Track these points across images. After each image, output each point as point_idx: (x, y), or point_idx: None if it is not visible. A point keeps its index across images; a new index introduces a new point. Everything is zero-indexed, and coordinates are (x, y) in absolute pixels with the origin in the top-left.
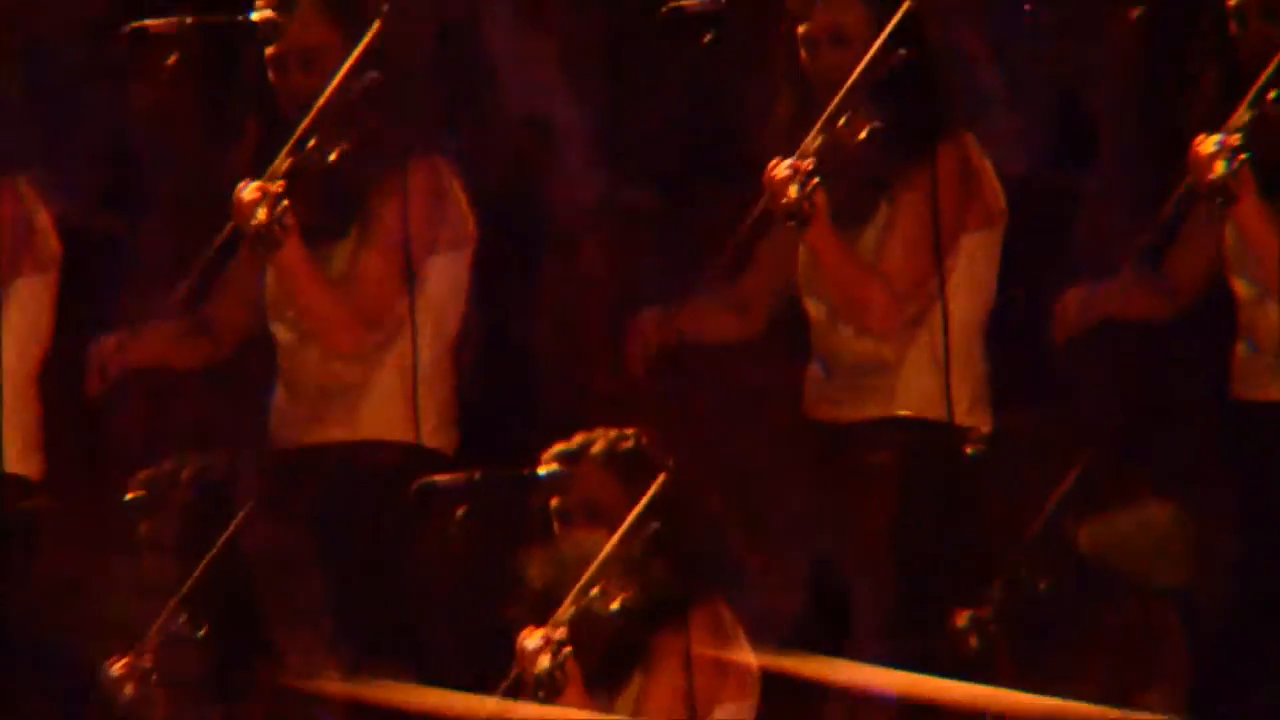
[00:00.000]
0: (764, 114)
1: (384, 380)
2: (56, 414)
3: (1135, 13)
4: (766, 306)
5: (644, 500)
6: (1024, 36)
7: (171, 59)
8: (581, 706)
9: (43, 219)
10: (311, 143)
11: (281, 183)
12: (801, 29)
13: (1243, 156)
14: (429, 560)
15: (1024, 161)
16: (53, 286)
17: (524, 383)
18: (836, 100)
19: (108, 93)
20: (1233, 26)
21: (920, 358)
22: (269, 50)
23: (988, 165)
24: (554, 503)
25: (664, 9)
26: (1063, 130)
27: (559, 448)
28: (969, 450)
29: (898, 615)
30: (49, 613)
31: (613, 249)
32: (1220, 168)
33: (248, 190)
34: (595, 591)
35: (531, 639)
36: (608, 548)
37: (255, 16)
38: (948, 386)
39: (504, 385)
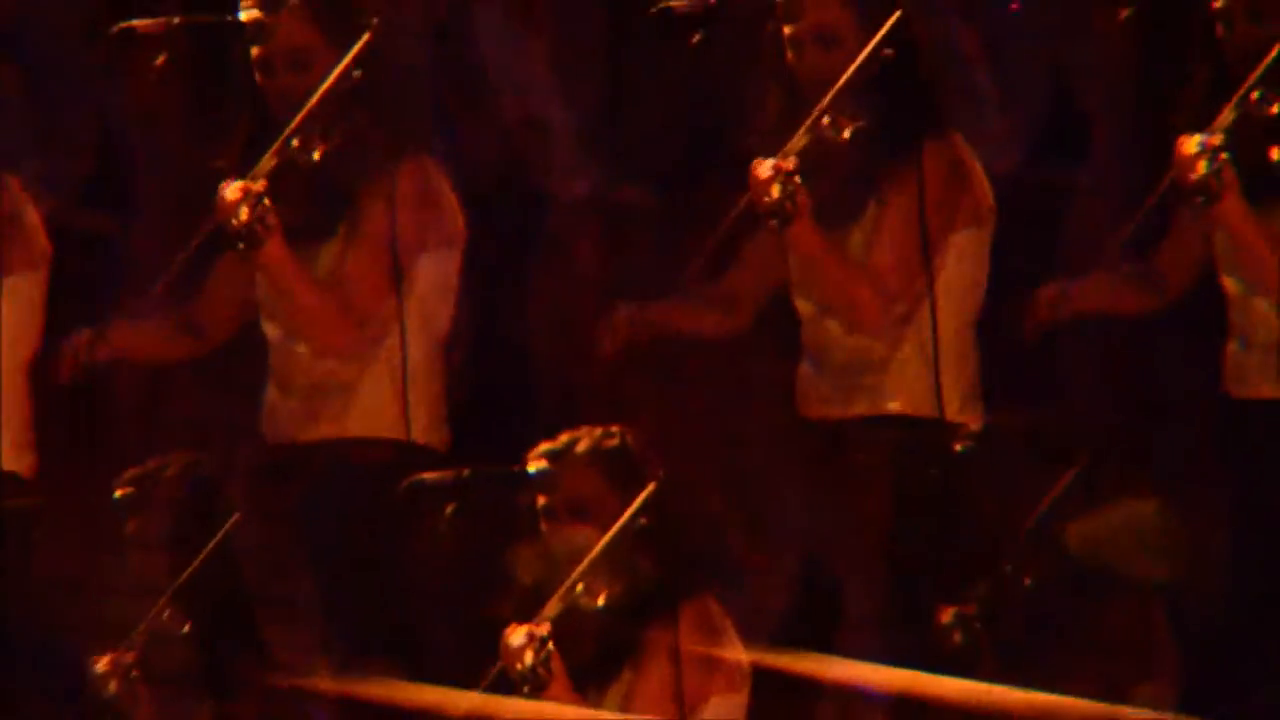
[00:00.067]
0: (754, 113)
1: (374, 378)
2: (48, 412)
3: (1124, 13)
4: (753, 304)
5: (635, 504)
6: (1014, 35)
7: (159, 59)
8: (567, 702)
9: (32, 216)
10: (295, 142)
11: (264, 182)
12: (788, 29)
13: (1224, 156)
14: (419, 557)
15: (1014, 160)
16: (43, 284)
17: (517, 380)
18: (825, 102)
19: (96, 92)
20: (1219, 29)
21: (910, 356)
22: (255, 51)
23: (976, 164)
24: (541, 501)
25: (653, 9)
26: (1053, 129)
27: (545, 446)
28: (959, 448)
29: (888, 612)
30: (41, 610)
31: (604, 247)
32: (1202, 167)
33: (230, 189)
34: (580, 588)
35: (516, 635)
36: (598, 548)
37: (243, 17)
38: (938, 384)
39: (497, 382)
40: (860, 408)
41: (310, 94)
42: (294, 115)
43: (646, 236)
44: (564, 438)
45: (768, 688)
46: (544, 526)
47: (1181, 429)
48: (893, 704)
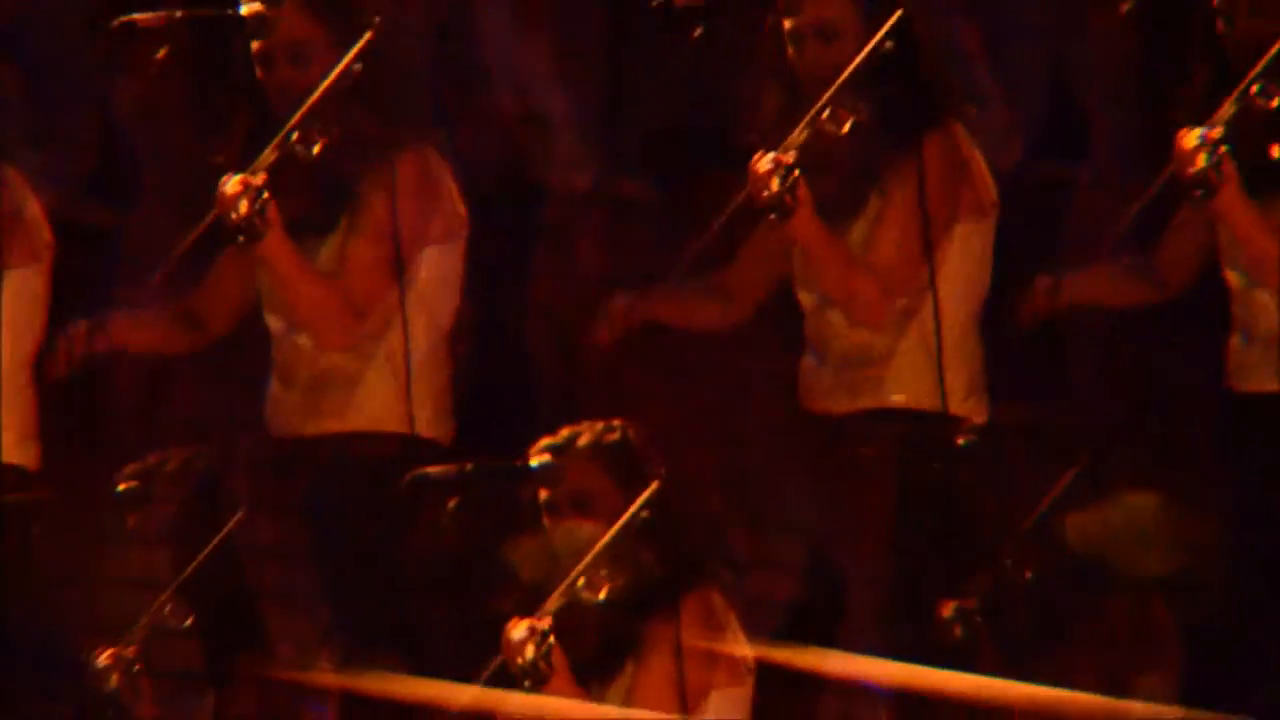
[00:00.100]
0: (754, 108)
1: (377, 372)
2: (50, 405)
3: (1125, 8)
4: (753, 297)
5: (637, 502)
6: (1015, 31)
7: (160, 53)
8: (569, 695)
9: (34, 209)
10: (295, 136)
11: (263, 175)
12: (788, 24)
13: (1223, 149)
14: (421, 552)
15: (1015, 156)
16: (45, 276)
17: (518, 374)
18: (826, 96)
19: (97, 86)
20: (1219, 24)
21: (913, 349)
22: (255, 45)
23: (978, 156)
24: (543, 495)
25: (653, 3)
26: (1054, 125)
27: (546, 441)
28: (961, 441)
29: (891, 606)
30: (43, 605)
31: (605, 241)
32: (1202, 160)
33: (230, 183)
34: (581, 582)
35: (517, 629)
36: (601, 543)
37: (243, 11)
38: (941, 378)
39: (497, 376)
40: (863, 401)
41: (310, 88)
42: (294, 109)
43: (647, 231)
44: (565, 432)
45: (771, 682)
46: (546, 521)
47: (1184, 423)
48: (895, 698)
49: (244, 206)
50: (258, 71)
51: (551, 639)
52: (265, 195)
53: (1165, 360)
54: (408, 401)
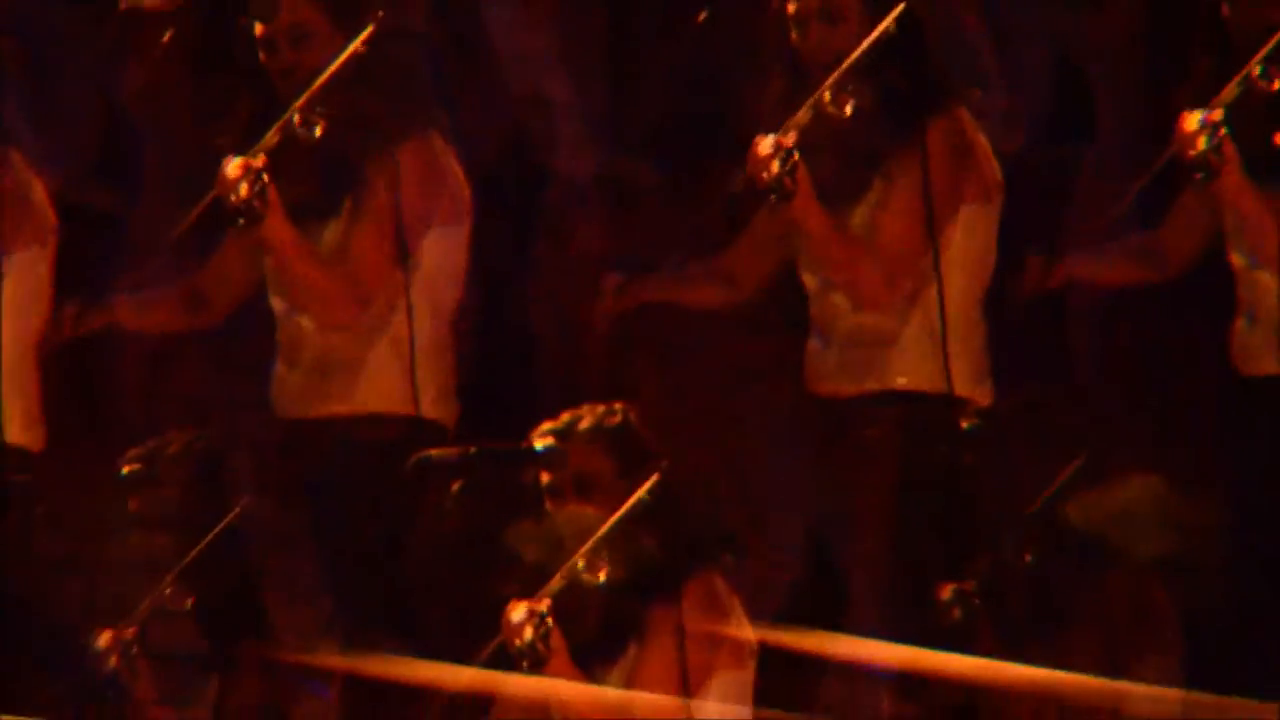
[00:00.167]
0: (758, 91)
1: (381, 354)
2: (57, 387)
3: None
4: (756, 279)
5: (640, 490)
6: (1020, 14)
7: (165, 36)
8: (568, 678)
9: (38, 192)
10: (297, 119)
11: (264, 158)
12: (791, 7)
13: (1224, 132)
14: (425, 534)
15: (1020, 139)
16: (50, 259)
17: (521, 357)
18: (830, 80)
19: (102, 69)
20: (1224, 8)
21: (917, 332)
22: (258, 28)
23: (982, 139)
24: (545, 479)
25: None
26: (1059, 108)
27: (548, 425)
28: (966, 424)
29: (894, 588)
30: (45, 586)
31: (608, 224)
32: (1202, 143)
33: (231, 166)
34: (582, 565)
35: (516, 611)
36: (604, 528)
37: None
38: (945, 360)
39: (504, 358)
40: (867, 384)
41: (313, 71)
42: (297, 92)
43: (651, 215)
44: (566, 416)
45: (774, 664)
46: (548, 504)
47: (1189, 406)
48: (897, 681)
49: (244, 189)
50: (260, 55)
51: (550, 621)
52: (265, 178)
53: (1170, 343)
54: (412, 384)
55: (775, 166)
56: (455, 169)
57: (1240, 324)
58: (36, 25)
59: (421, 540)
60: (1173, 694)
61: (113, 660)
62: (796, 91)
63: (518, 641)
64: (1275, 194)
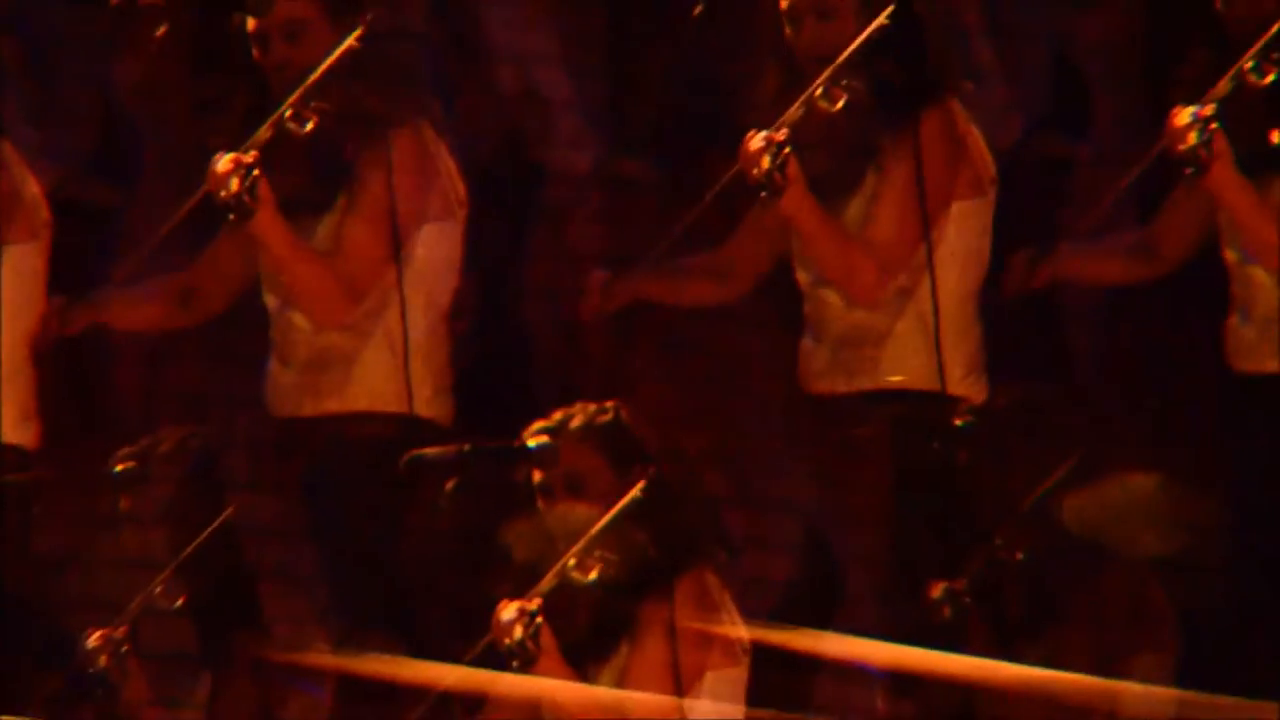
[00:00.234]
0: (754, 87)
1: (375, 351)
2: (52, 384)
3: None
4: (749, 275)
5: (629, 495)
6: (1016, 7)
7: (160, 31)
8: (558, 676)
9: (33, 187)
10: (288, 114)
11: (255, 153)
12: (785, 2)
13: (1214, 127)
14: (420, 533)
15: (1016, 133)
16: (44, 254)
17: (516, 354)
18: (824, 77)
19: (97, 64)
20: (1218, 2)
21: (910, 329)
22: (251, 24)
23: (975, 132)
24: (537, 477)
25: None
26: (1057, 99)
27: (539, 424)
28: (960, 422)
29: (888, 587)
30: (40, 585)
31: (606, 220)
32: (1193, 138)
33: (222, 161)
34: (573, 563)
35: (507, 610)
36: (596, 528)
37: None
38: (939, 358)
39: (500, 355)
40: (860, 382)
41: (306, 66)
42: (291, 88)
43: (647, 211)
44: (558, 414)
45: (767, 663)
46: (540, 503)
47: (1184, 403)
48: (891, 680)
49: (234, 184)
50: (254, 51)
51: (540, 620)
52: (256, 173)
53: (1164, 340)
54: (406, 381)
55: (766, 162)
56: (448, 162)
57: (1234, 320)
58: (32, 21)
59: (416, 539)
60: (1168, 693)
61: (103, 660)
62: (790, 87)
63: (507, 640)
64: (1267, 189)
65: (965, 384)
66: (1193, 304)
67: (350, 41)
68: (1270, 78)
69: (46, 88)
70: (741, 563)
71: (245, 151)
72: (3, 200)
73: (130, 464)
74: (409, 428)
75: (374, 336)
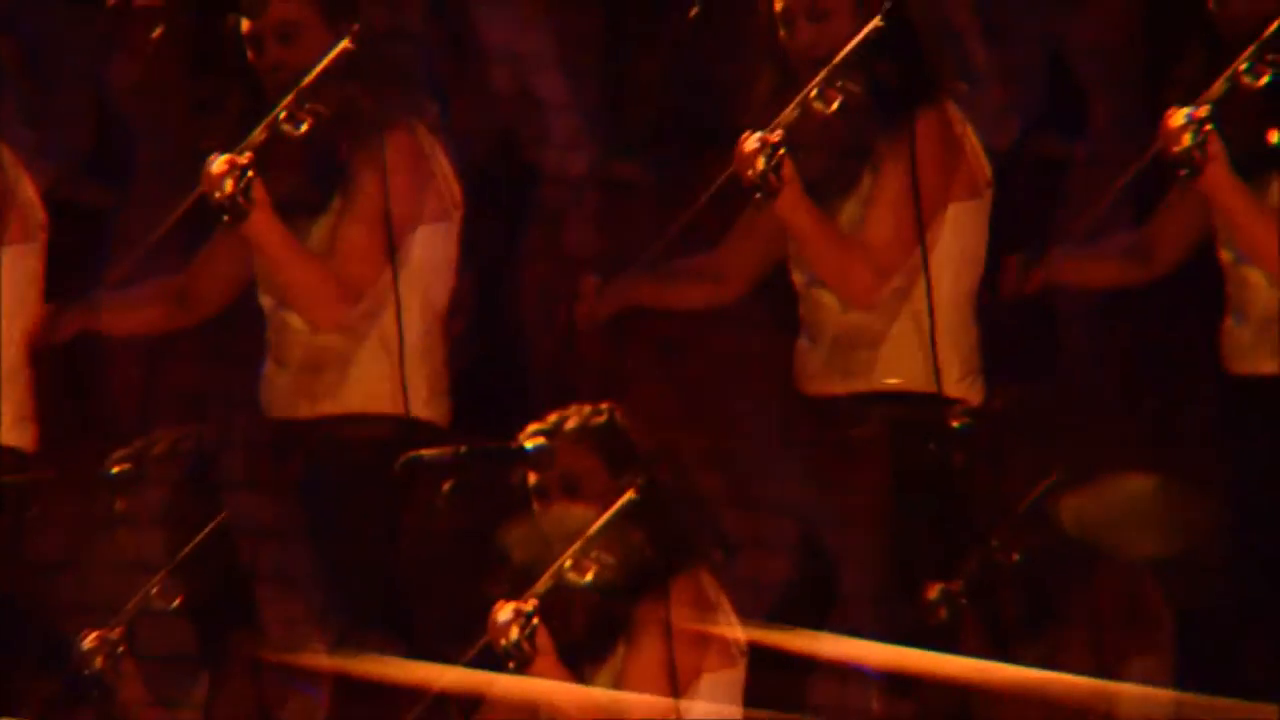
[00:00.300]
0: (748, 89)
1: (370, 353)
2: (48, 385)
3: None
4: (744, 277)
5: (629, 491)
6: (1011, 8)
7: (156, 32)
8: (554, 677)
9: (28, 188)
10: (283, 115)
11: (249, 155)
12: (779, 5)
13: (1208, 128)
14: (416, 534)
15: (1011, 135)
16: (40, 255)
17: (516, 354)
18: (818, 79)
19: (92, 65)
20: (1210, 3)
21: (906, 331)
22: (245, 26)
23: (971, 134)
24: (533, 479)
25: None
26: (1053, 100)
27: (534, 426)
28: (956, 423)
29: (884, 588)
30: (37, 587)
31: (602, 222)
32: (1187, 139)
33: (216, 163)
34: (569, 564)
35: (503, 611)
36: (592, 529)
37: None
38: (934, 360)
39: (496, 357)
40: (856, 384)
41: (300, 67)
42: (285, 89)
43: (643, 213)
44: (552, 417)
45: (763, 663)
46: (536, 505)
47: (1180, 405)
48: (887, 681)
49: (228, 185)
50: (249, 52)
51: (536, 621)
52: (250, 174)
53: (1160, 342)
54: (402, 383)
55: (761, 163)
56: (444, 164)
57: (1229, 322)
58: (27, 22)
59: (412, 540)
60: (1165, 695)
61: (99, 661)
62: (785, 89)
63: (504, 641)
64: (1262, 190)
65: (961, 385)
66: (1188, 305)
67: (345, 43)
68: (1265, 79)
69: (42, 88)
70: (737, 564)
71: (240, 153)
72: None
73: (126, 465)
74: (405, 429)
75: (369, 338)
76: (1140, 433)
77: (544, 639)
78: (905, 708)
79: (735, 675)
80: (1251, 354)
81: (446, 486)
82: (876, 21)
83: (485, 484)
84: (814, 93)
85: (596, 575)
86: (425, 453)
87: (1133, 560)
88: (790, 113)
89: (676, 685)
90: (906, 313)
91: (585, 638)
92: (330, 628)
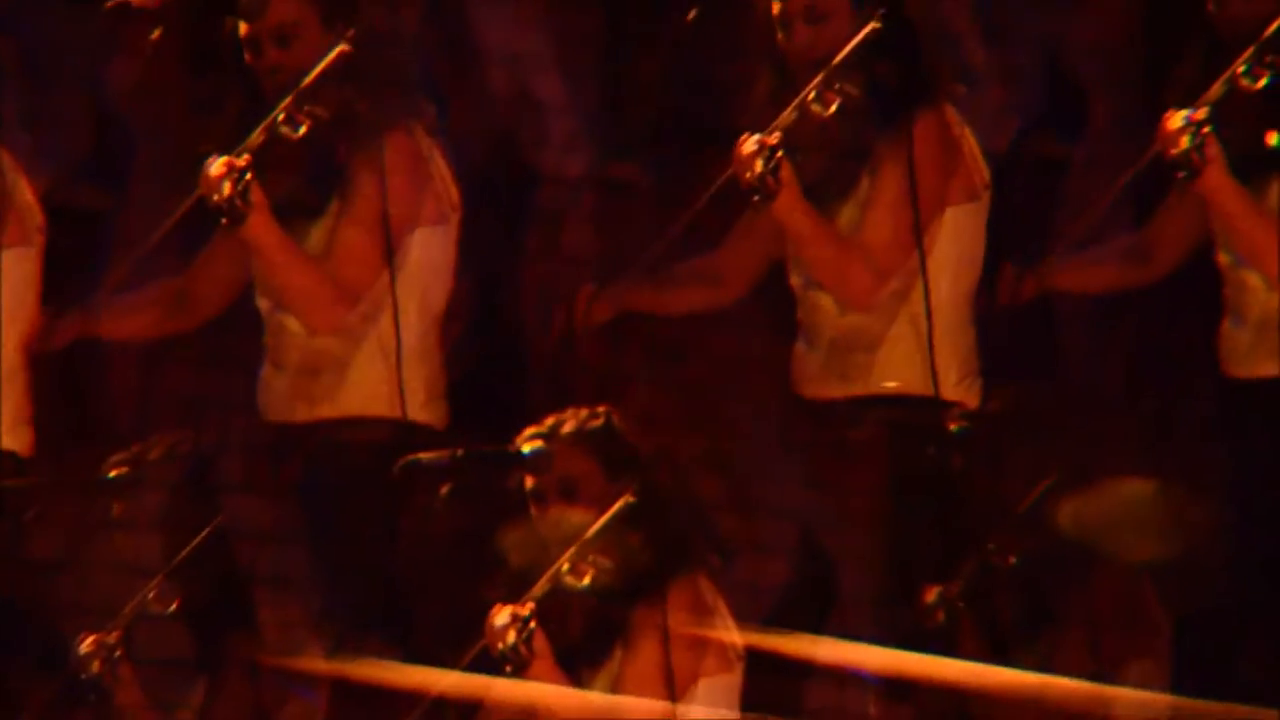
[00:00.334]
0: (746, 91)
1: (368, 356)
2: (46, 389)
3: None
4: (743, 280)
5: (626, 494)
6: (1010, 10)
7: (154, 34)
8: (551, 681)
9: (26, 190)
10: (281, 117)
11: (247, 157)
12: (776, 7)
13: (1207, 130)
14: (414, 537)
15: (1010, 136)
16: (38, 259)
17: (514, 357)
18: (816, 82)
19: (91, 67)
20: (1209, 5)
21: (903, 334)
22: (243, 28)
23: (969, 136)
24: (530, 483)
25: None
26: (1052, 102)
27: (531, 430)
28: (954, 426)
29: (882, 592)
30: (36, 591)
31: (600, 224)
32: (1185, 141)
33: (214, 165)
34: (566, 568)
35: (500, 615)
36: (589, 532)
37: None
38: (932, 363)
39: (494, 360)
40: (854, 387)
41: (298, 70)
42: (283, 91)
43: (641, 215)
44: (550, 420)
45: (760, 668)
46: (533, 509)
47: (1177, 408)
48: (885, 685)
49: (226, 188)
50: (247, 55)
51: (533, 625)
52: (248, 177)
53: (1158, 345)
54: (399, 386)
55: (759, 166)
56: (442, 166)
57: (1227, 325)
58: (26, 23)
59: (410, 543)
60: (1162, 698)
61: (96, 665)
62: (783, 91)
63: (501, 645)
64: (1261, 192)
65: (959, 388)
66: (1186, 308)
67: (343, 45)
68: (1263, 81)
69: (40, 91)
70: (735, 567)
71: (238, 155)
72: None
73: (123, 469)
74: (403, 432)
75: (367, 341)
76: (1138, 435)
77: (541, 643)
78: (903, 712)
79: (732, 680)
80: (1250, 357)
81: (444, 490)
82: (874, 23)
83: (483, 487)
84: (812, 95)
85: (594, 579)
86: (423, 456)
87: (1130, 564)
88: (788, 115)
89: (673, 689)
90: (904, 315)
91: (582, 642)
92: (328, 631)
